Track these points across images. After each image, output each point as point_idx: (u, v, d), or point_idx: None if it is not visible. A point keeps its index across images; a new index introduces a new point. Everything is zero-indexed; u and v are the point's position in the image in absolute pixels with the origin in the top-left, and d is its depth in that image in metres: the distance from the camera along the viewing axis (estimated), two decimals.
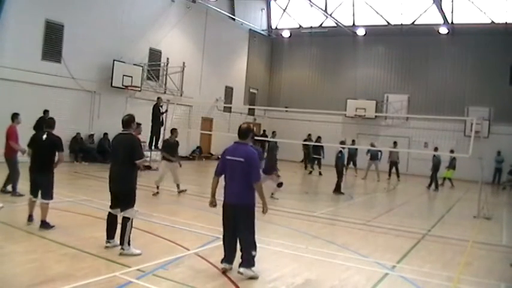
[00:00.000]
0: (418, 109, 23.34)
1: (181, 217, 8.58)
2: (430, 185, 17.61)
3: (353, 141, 21.26)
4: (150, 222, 7.76)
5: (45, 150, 6.83)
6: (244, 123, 5.49)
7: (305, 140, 21.18)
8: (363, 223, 9.57)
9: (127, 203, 5.91)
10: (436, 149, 17.61)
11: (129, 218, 5.83)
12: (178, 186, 11.33)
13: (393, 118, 24.89)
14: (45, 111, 13.06)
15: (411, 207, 13.33)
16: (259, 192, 5.27)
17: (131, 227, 5.84)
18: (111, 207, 6.10)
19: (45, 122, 7.16)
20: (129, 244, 5.76)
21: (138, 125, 8.26)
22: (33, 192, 6.84)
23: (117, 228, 6.01)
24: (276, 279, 5.38)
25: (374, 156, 19.63)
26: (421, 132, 21.87)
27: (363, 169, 20.12)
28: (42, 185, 6.78)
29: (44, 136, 6.85)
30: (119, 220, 6.01)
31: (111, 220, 6.07)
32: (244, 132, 5.38)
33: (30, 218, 6.84)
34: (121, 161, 5.94)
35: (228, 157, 5.26)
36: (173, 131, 11.73)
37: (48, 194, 6.80)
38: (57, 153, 7.00)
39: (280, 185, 11.46)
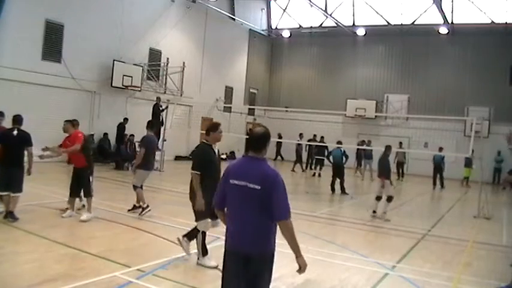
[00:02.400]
0: (418, 109, 23.34)
1: (181, 217, 8.57)
2: (434, 186, 17.82)
3: (369, 141, 20.67)
4: (150, 222, 7.76)
5: (16, 145, 7.08)
6: (258, 124, 3.35)
7: (309, 140, 21.17)
8: (363, 223, 9.57)
9: (196, 215, 5.67)
10: (440, 149, 17.63)
11: (198, 230, 5.68)
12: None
13: (393, 118, 24.88)
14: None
15: (411, 207, 13.33)
16: (288, 236, 3.27)
17: (201, 238, 5.67)
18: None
19: (13, 119, 7.31)
20: (203, 255, 5.64)
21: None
22: (4, 187, 7.02)
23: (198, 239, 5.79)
24: (276, 279, 5.37)
25: (368, 155, 19.68)
26: (421, 132, 21.86)
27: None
28: (14, 179, 7.01)
29: (15, 132, 7.10)
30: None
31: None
32: (258, 140, 3.27)
33: (5, 213, 7.04)
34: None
35: (234, 181, 3.20)
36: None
37: (20, 187, 7.09)
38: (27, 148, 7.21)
39: (390, 198, 10.24)
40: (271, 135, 3.26)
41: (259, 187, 3.08)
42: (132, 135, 17.52)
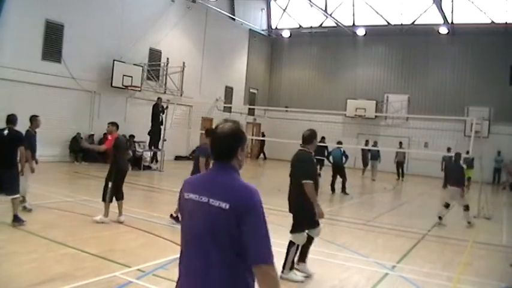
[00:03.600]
0: (418, 109, 23.34)
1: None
2: (445, 186, 17.86)
3: (375, 142, 20.61)
4: (150, 222, 7.76)
5: (7, 145, 6.82)
6: (225, 120, 2.31)
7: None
8: (363, 223, 9.57)
9: (293, 225, 5.47)
10: (449, 150, 17.60)
11: (293, 243, 5.42)
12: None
13: (393, 118, 24.89)
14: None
15: (411, 207, 13.34)
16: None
17: (295, 253, 5.43)
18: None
19: (6, 119, 7.08)
20: (290, 269, 5.42)
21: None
22: None
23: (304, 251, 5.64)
24: None
25: (374, 156, 19.73)
26: (421, 132, 21.87)
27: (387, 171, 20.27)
28: (6, 180, 6.72)
29: (5, 132, 6.87)
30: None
31: (304, 245, 5.59)
32: (224, 141, 2.20)
33: (14, 219, 6.76)
34: (293, 181, 5.48)
35: (190, 195, 2.21)
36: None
37: (14, 189, 6.83)
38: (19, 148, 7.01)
39: (468, 207, 10.04)
40: (245, 134, 2.24)
41: (227, 206, 2.03)
42: (132, 136, 17.52)
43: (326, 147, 19.47)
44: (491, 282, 6.00)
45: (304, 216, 5.38)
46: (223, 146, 2.18)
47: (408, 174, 22.07)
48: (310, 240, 5.56)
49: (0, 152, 6.80)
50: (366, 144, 20.06)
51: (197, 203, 2.16)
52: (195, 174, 7.43)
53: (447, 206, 10.18)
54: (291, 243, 5.41)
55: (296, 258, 5.52)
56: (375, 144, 20.03)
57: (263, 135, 21.00)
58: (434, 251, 7.58)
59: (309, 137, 5.48)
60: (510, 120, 21.85)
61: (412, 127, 23.35)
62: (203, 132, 7.16)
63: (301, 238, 5.40)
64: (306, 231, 5.44)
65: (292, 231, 5.42)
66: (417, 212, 12.34)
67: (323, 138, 20.86)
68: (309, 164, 5.47)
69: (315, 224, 5.44)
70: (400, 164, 20.23)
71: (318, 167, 19.45)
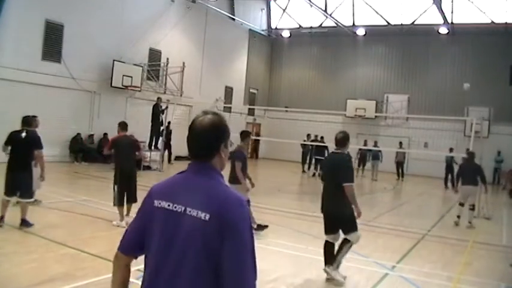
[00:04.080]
0: (418, 109, 23.35)
1: None
2: (446, 185, 17.91)
3: (375, 142, 20.71)
4: None
5: (24, 148, 6.72)
6: (205, 112, 1.86)
7: (313, 141, 21.20)
8: (363, 223, 9.52)
9: (350, 225, 5.47)
10: (451, 150, 17.63)
11: (349, 241, 5.46)
12: None
13: (393, 118, 24.90)
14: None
15: (411, 207, 13.33)
16: None
17: (347, 250, 5.50)
18: (326, 232, 5.69)
19: (22, 120, 6.98)
20: (337, 267, 5.44)
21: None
22: (9, 192, 6.67)
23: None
24: (276, 279, 5.38)
25: (375, 156, 19.78)
26: (421, 132, 21.88)
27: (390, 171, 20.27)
28: (20, 183, 6.64)
29: (23, 134, 6.73)
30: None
31: (329, 248, 5.62)
32: (203, 137, 1.80)
33: (1, 220, 6.62)
34: (332, 183, 5.51)
35: (162, 203, 1.76)
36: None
37: (27, 193, 6.73)
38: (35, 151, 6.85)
39: (474, 207, 10.17)
40: (228, 127, 1.84)
41: (207, 216, 1.63)
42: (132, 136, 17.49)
43: (326, 147, 19.48)
44: (491, 282, 6.00)
45: (355, 216, 5.44)
46: (202, 142, 1.79)
47: (408, 174, 22.07)
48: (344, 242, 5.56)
49: (17, 154, 6.71)
50: (365, 145, 20.08)
51: (171, 214, 1.70)
52: (234, 182, 7.29)
53: (462, 204, 10.19)
54: (347, 242, 5.44)
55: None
56: (375, 144, 20.06)
57: (257, 135, 21.14)
58: (434, 251, 7.58)
59: (342, 139, 5.51)
60: (510, 120, 21.85)
61: (412, 127, 23.37)
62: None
63: (357, 236, 5.47)
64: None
65: (350, 231, 5.44)
66: (417, 212, 12.34)
67: (322, 138, 20.88)
68: (349, 166, 5.54)
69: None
70: (400, 164, 20.29)
71: (318, 167, 19.69)
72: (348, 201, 5.34)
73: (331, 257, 5.51)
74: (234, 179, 7.30)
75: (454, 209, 13.37)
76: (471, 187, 10.03)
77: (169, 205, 1.73)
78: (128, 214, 7.60)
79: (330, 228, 5.60)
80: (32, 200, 6.88)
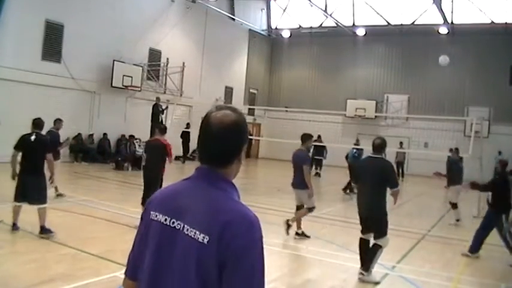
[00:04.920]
0: (418, 109, 23.36)
1: None
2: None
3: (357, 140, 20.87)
4: None
5: (35, 151, 6.51)
6: (220, 107, 1.53)
7: (314, 141, 21.15)
8: None
9: (383, 229, 5.57)
10: (451, 150, 17.65)
11: (380, 246, 5.52)
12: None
13: (393, 118, 24.90)
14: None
15: (411, 207, 13.32)
16: None
17: (379, 255, 5.55)
18: (362, 232, 5.80)
19: (32, 123, 6.80)
20: (371, 272, 5.53)
21: (59, 120, 8.00)
22: (19, 197, 6.40)
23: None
24: (276, 279, 5.38)
25: None
26: (421, 132, 21.89)
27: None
28: (31, 188, 6.38)
29: (33, 137, 6.53)
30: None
31: (364, 246, 5.72)
32: (222, 138, 1.49)
33: (15, 227, 6.40)
34: (372, 186, 5.57)
35: (158, 215, 1.50)
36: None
37: (40, 198, 6.44)
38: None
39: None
40: (248, 127, 1.61)
41: (205, 239, 1.37)
42: (132, 136, 17.53)
43: (324, 146, 19.48)
44: (491, 282, 6.00)
45: (387, 221, 5.60)
46: (221, 145, 1.48)
47: (408, 174, 22.06)
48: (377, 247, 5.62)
49: (28, 158, 6.49)
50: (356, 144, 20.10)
51: (166, 230, 1.45)
52: (301, 187, 7.27)
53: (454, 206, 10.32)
54: (378, 247, 5.49)
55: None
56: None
57: (250, 135, 21.26)
58: (434, 251, 7.58)
59: (380, 145, 5.68)
60: (510, 120, 21.85)
61: (412, 127, 23.37)
62: None
63: (387, 240, 5.58)
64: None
65: (381, 236, 5.52)
66: (417, 212, 12.34)
67: (319, 136, 20.85)
68: (395, 172, 5.91)
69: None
70: (400, 164, 20.29)
71: (318, 167, 19.67)
72: (385, 204, 5.57)
73: (366, 254, 5.59)
74: (301, 184, 7.31)
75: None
76: (454, 186, 10.33)
77: (165, 219, 1.46)
78: None
79: (367, 228, 5.71)
80: (45, 205, 6.53)
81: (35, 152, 6.51)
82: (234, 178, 1.55)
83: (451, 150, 17.49)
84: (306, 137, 7.58)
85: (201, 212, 1.41)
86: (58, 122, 9.48)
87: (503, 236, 7.00)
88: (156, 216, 1.49)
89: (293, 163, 7.60)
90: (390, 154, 20.17)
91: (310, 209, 7.54)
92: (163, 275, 1.43)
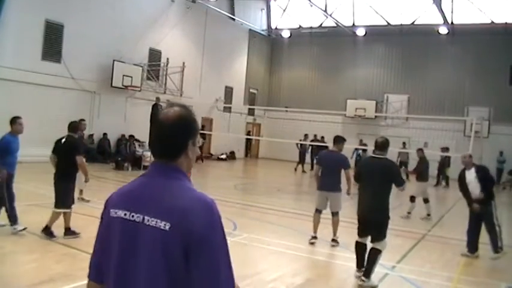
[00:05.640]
0: (418, 109, 23.35)
1: None
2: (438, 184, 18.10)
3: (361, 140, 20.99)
4: None
5: (63, 155, 6.59)
6: (170, 104, 1.72)
7: (312, 141, 21.19)
8: None
9: (383, 232, 5.47)
10: (446, 149, 17.73)
11: (380, 251, 5.42)
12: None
13: (393, 118, 24.90)
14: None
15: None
16: None
17: (378, 260, 5.47)
18: (359, 235, 5.71)
19: (68, 126, 6.94)
20: (370, 277, 5.42)
21: (81, 120, 7.93)
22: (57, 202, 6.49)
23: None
24: (276, 279, 5.38)
25: None
26: (421, 132, 21.88)
27: None
28: (60, 192, 6.46)
29: (63, 140, 6.68)
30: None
31: (361, 249, 5.67)
32: (169, 133, 1.58)
33: (46, 230, 6.39)
34: (375, 187, 5.48)
35: (118, 212, 1.52)
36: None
37: (63, 202, 6.44)
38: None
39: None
40: (197, 122, 1.72)
41: (166, 226, 1.40)
42: (132, 136, 17.51)
43: (327, 147, 19.44)
44: (491, 282, 6.00)
45: (388, 224, 5.54)
46: (168, 138, 1.55)
47: None
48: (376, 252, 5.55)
49: (58, 162, 6.58)
50: (361, 144, 20.17)
51: (128, 224, 1.47)
52: (336, 189, 7.26)
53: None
54: (377, 251, 5.39)
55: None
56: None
57: (248, 134, 21.33)
58: (434, 251, 7.59)
59: (383, 144, 5.62)
60: (510, 120, 21.84)
61: (412, 127, 23.35)
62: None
63: (385, 244, 5.49)
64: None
65: (380, 239, 5.43)
66: (417, 212, 12.33)
67: (322, 137, 20.87)
68: (399, 170, 5.94)
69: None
70: (403, 164, 20.23)
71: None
72: (388, 206, 5.48)
73: (362, 258, 5.53)
74: (335, 187, 7.27)
75: (454, 208, 13.39)
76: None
77: (125, 214, 1.48)
78: None
79: (366, 231, 5.59)
80: (62, 210, 6.46)
81: (63, 156, 6.57)
82: (188, 170, 1.60)
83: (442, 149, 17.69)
84: (339, 139, 7.39)
85: (159, 201, 1.45)
86: (80, 123, 9.11)
87: (490, 225, 6.92)
88: (116, 212, 1.52)
89: (324, 164, 7.34)
90: (392, 154, 20.24)
91: (338, 213, 7.47)
92: (130, 270, 1.45)
